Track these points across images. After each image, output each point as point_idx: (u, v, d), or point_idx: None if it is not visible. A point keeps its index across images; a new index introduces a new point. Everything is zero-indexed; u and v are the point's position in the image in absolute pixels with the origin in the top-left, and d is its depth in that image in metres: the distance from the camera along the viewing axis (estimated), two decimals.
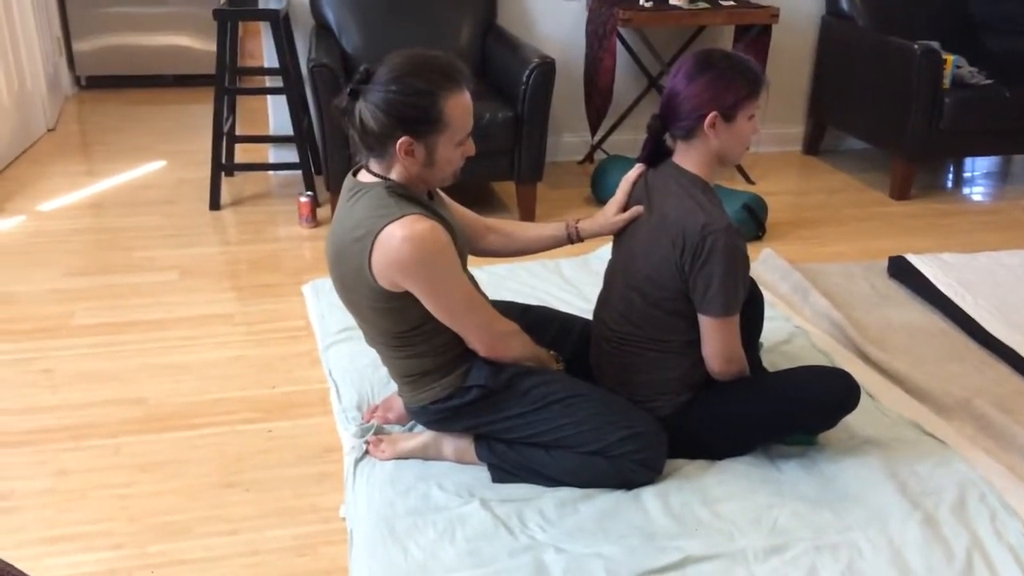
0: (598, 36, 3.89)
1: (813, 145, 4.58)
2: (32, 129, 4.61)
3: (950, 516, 1.89)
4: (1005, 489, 1.97)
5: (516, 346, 1.95)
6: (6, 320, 2.80)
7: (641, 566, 1.73)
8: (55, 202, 3.79)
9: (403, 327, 1.87)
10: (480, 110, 3.45)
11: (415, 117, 1.75)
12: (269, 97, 4.13)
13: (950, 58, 3.78)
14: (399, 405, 2.13)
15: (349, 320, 2.69)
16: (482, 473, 2.00)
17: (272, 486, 2.06)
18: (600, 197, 3.83)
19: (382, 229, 1.75)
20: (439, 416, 1.97)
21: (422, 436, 2.06)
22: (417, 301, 1.82)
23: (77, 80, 5.72)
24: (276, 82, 3.82)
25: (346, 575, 1.79)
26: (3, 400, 2.38)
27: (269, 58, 3.98)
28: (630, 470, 1.91)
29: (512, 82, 3.51)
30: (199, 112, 5.21)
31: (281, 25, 3.59)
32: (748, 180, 4.15)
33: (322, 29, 3.81)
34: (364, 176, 1.86)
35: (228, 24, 3.70)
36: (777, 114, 4.58)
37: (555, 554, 1.76)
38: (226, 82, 3.66)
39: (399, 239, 1.74)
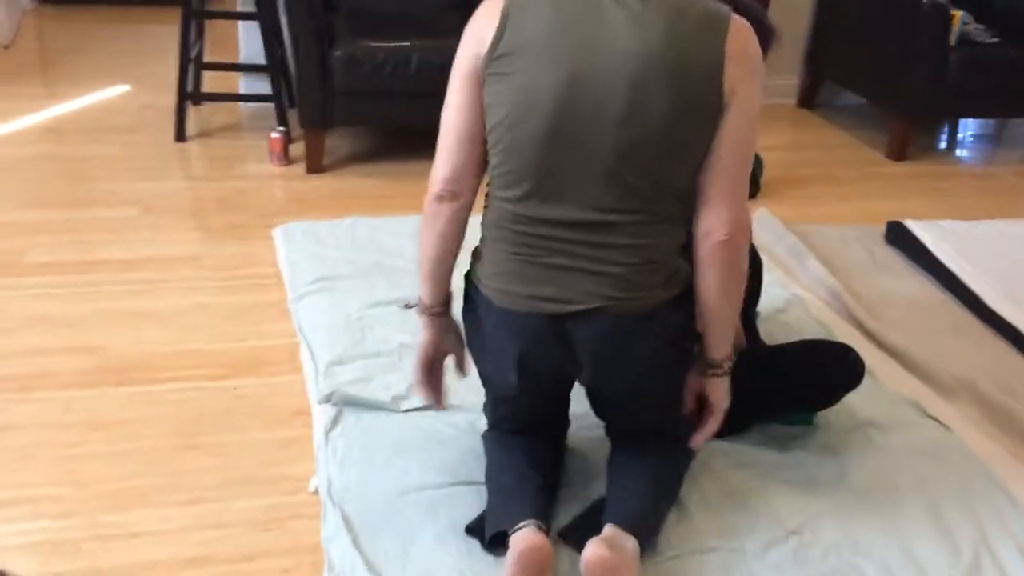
0: None
1: (808, 99, 4.41)
2: None
3: (955, 507, 1.80)
4: (1009, 478, 1.89)
5: None
6: None
7: None
8: (9, 125, 3.55)
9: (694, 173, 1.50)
10: None
11: None
12: (240, 22, 3.88)
13: (958, 14, 3.62)
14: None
15: (322, 269, 2.54)
16: (463, 449, 1.87)
17: (236, 451, 1.92)
18: None
19: (730, 16, 1.46)
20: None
21: None
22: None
23: None
24: (248, 6, 3.58)
25: (315, 553, 1.66)
26: None
27: None
28: None
29: None
30: (166, 34, 4.92)
31: None
32: None
33: None
34: None
35: None
36: (772, 64, 4.39)
37: None
38: (193, 4, 3.42)
39: (751, 33, 1.47)
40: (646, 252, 1.51)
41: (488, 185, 1.60)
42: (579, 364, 1.59)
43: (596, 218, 1.49)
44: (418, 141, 3.60)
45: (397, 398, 2.01)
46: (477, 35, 1.49)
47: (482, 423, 1.90)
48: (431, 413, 1.97)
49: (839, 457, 1.91)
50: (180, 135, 3.51)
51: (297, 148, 3.42)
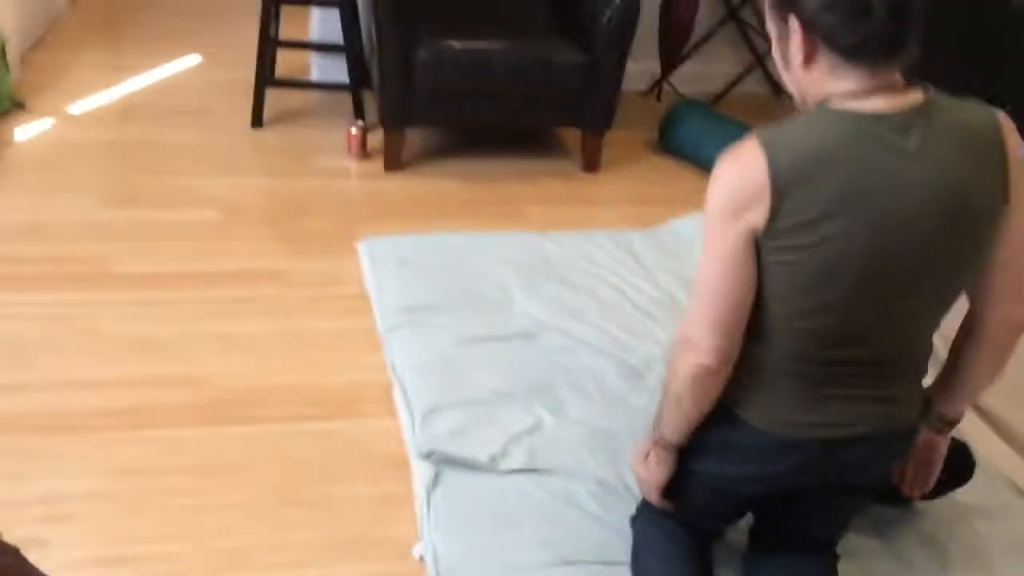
0: None
1: None
2: (53, 3, 4.26)
3: None
4: None
5: None
6: (41, 260, 2.61)
7: None
8: (83, 103, 3.52)
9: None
10: (547, 48, 3.18)
11: None
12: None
13: None
14: None
15: (411, 296, 2.53)
16: (566, 524, 1.87)
17: (337, 506, 1.94)
18: (670, 148, 3.59)
19: (996, 116, 1.41)
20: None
21: None
22: None
23: None
24: None
25: None
26: (49, 368, 2.23)
27: None
28: None
29: (586, 19, 3.21)
30: None
31: None
32: None
33: None
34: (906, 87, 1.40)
35: None
36: None
37: None
38: None
39: (1010, 121, 1.43)
40: (917, 370, 1.55)
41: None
42: (823, 478, 1.58)
43: (885, 355, 1.48)
44: (495, 138, 3.55)
45: (494, 457, 2.01)
46: (739, 200, 1.38)
47: (576, 490, 1.93)
48: (525, 476, 1.98)
49: (940, 551, 1.90)
50: (257, 120, 3.47)
51: (374, 139, 3.38)
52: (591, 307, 2.57)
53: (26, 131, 3.27)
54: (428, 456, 2.00)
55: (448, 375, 2.25)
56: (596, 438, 2.09)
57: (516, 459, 2.01)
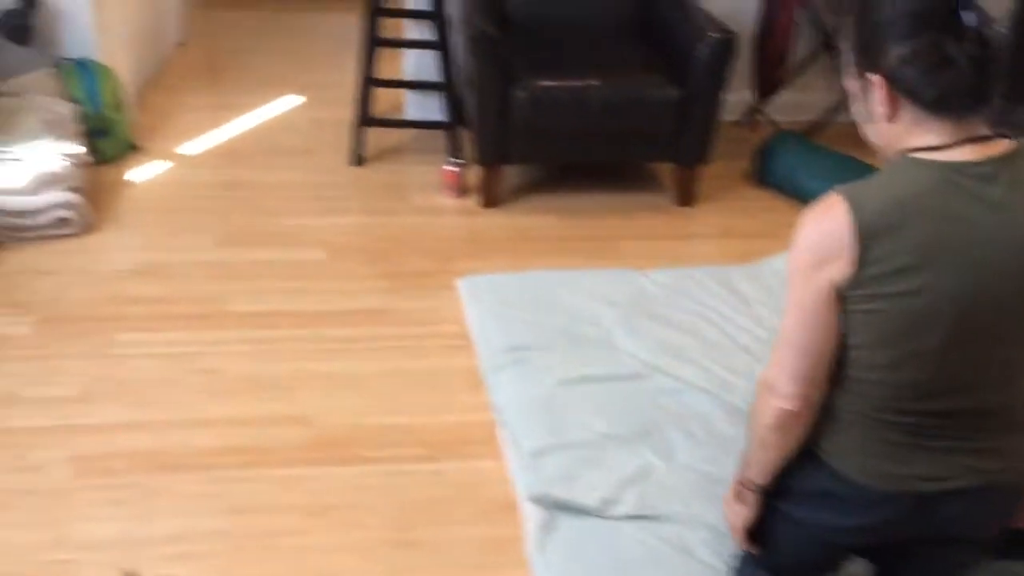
0: None
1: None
2: (165, 44, 4.46)
3: None
4: None
5: None
6: (162, 300, 2.73)
7: None
8: (192, 144, 3.67)
9: None
10: (642, 84, 3.19)
11: None
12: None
13: None
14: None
15: (512, 336, 2.55)
16: (684, 572, 1.86)
17: (449, 550, 1.97)
18: (767, 181, 3.55)
19: None
20: None
21: None
22: None
23: None
24: (423, 32, 3.56)
25: None
26: (168, 406, 2.32)
27: None
28: None
29: (681, 53, 3.21)
30: (329, 26, 4.99)
31: None
32: None
33: None
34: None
35: None
36: None
37: None
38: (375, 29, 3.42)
39: None
40: (1021, 416, 1.49)
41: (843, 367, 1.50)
42: (922, 532, 1.55)
43: (982, 406, 1.45)
44: (589, 173, 3.57)
45: (605, 502, 2.02)
46: (821, 254, 1.38)
47: (688, 538, 1.91)
48: (636, 522, 1.98)
49: None
50: (356, 159, 3.57)
51: (470, 175, 3.43)
52: (694, 346, 2.56)
53: (141, 173, 3.42)
54: (538, 500, 2.02)
55: (553, 416, 2.27)
56: (706, 484, 2.07)
57: (627, 505, 2.01)
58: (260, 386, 2.41)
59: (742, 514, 1.66)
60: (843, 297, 1.39)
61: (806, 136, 3.78)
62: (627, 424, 2.25)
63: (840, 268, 1.37)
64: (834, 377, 1.47)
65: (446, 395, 2.43)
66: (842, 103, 4.03)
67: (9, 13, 3.30)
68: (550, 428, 2.23)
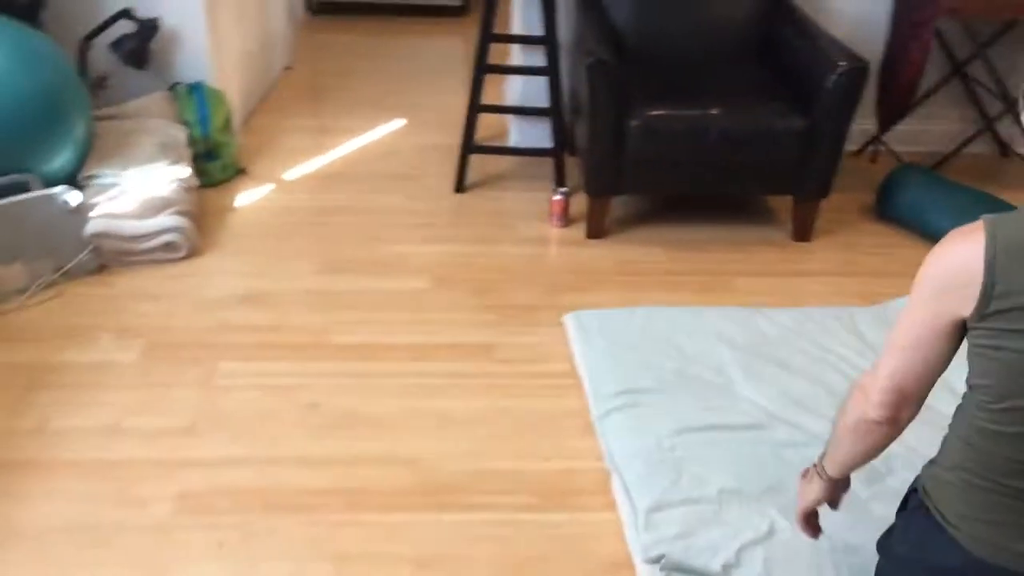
0: (911, 23, 3.32)
1: None
2: (273, 68, 4.50)
3: None
4: None
5: None
6: (265, 329, 2.69)
7: None
8: (297, 169, 3.67)
9: None
10: (764, 114, 3.04)
11: None
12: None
13: None
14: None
15: (622, 378, 2.43)
16: None
17: None
18: (889, 215, 3.35)
19: None
20: None
21: None
22: None
23: (308, 4, 5.58)
24: (534, 58, 3.49)
25: None
26: (273, 443, 2.26)
27: (524, 24, 3.63)
28: None
29: (807, 82, 3.04)
30: (431, 50, 4.97)
31: None
32: None
33: None
34: None
35: None
36: None
37: None
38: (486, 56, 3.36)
39: None
40: None
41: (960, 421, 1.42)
42: None
43: None
44: (699, 204, 3.43)
45: (727, 567, 1.88)
46: (947, 281, 1.31)
47: None
48: None
49: None
50: (460, 186, 3.50)
51: (576, 205, 3.33)
52: (818, 394, 2.39)
53: (246, 197, 3.42)
54: (656, 561, 1.89)
55: (669, 467, 2.14)
56: (837, 551, 1.91)
57: (751, 570, 1.87)
58: (363, 423, 2.34)
59: (808, 494, 1.64)
60: (965, 328, 1.31)
61: (933, 169, 3.56)
62: (749, 479, 2.11)
63: (964, 300, 1.28)
64: (961, 436, 1.39)
65: (555, 439, 2.32)
66: (975, 136, 3.79)
67: (127, 37, 3.35)
68: (666, 481, 2.10)
